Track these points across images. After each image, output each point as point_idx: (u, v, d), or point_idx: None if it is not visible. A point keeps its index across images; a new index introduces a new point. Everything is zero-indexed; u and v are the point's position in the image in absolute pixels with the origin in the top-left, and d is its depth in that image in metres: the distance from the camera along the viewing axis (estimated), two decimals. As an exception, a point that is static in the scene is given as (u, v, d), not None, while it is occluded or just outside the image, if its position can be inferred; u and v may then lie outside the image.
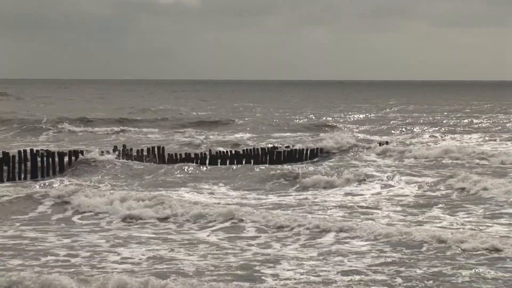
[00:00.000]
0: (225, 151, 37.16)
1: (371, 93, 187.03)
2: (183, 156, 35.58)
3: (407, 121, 72.47)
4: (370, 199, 26.20)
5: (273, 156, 37.51)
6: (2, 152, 32.35)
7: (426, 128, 62.45)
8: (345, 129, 60.54)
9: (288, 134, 55.27)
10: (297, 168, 33.71)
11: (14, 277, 14.99)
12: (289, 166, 34.86)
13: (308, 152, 39.46)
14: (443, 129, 61.78)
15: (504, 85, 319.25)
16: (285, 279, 15.64)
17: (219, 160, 35.55)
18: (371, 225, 20.15)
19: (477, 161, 37.52)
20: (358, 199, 26.25)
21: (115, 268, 16.59)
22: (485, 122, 70.65)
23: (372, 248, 18.12)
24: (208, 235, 20.19)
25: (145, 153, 35.51)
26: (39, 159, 31.94)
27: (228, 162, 35.58)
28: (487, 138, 52.12)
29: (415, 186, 28.11)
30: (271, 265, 16.73)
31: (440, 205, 24.54)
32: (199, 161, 35.22)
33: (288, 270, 16.32)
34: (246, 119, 71.90)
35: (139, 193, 25.19)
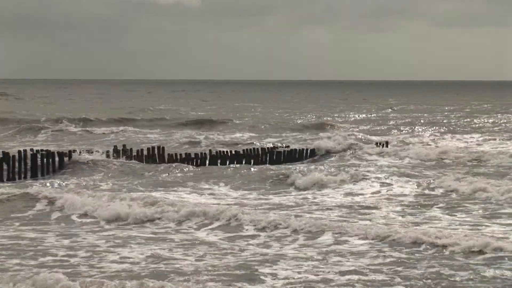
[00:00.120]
0: (225, 151, 37.15)
1: (371, 93, 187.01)
2: (183, 156, 35.58)
3: (407, 121, 72.47)
4: (369, 199, 26.21)
5: (273, 156, 37.51)
6: (2, 152, 32.38)
7: (426, 128, 62.48)
8: (345, 129, 60.53)
9: (288, 134, 55.30)
10: (297, 168, 33.71)
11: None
12: (289, 166, 34.88)
13: (308, 152, 39.47)
14: (443, 129, 61.80)
15: (504, 85, 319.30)
16: (283, 278, 15.66)
17: (219, 161, 35.52)
18: (368, 226, 20.13)
19: (477, 161, 37.51)
20: (357, 199, 26.25)
21: (113, 268, 16.59)
22: (485, 122, 70.65)
23: (370, 248, 18.12)
24: (207, 235, 20.19)
25: (145, 153, 35.51)
26: (35, 158, 32.05)
27: (228, 162, 35.56)
28: (487, 138, 52.11)
29: (414, 186, 28.09)
30: (270, 265, 16.73)
31: (439, 205, 24.54)
32: (199, 161, 35.22)
33: (287, 270, 16.33)
34: (246, 119, 71.93)
35: (131, 194, 25.18)
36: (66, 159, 33.11)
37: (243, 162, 35.93)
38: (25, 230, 21.16)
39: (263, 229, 20.36)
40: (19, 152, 32.05)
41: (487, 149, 41.75)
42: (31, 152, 32.31)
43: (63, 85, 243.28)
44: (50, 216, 23.21)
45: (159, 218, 22.04)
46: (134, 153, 35.21)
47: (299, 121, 68.79)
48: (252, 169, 33.03)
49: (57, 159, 32.97)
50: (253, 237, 19.81)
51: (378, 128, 61.99)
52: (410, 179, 29.39)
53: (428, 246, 17.95)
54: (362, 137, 51.81)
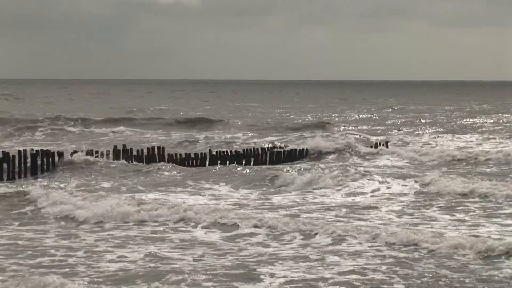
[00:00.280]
0: (225, 151, 37.14)
1: (371, 93, 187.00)
2: (183, 156, 35.58)
3: (407, 121, 72.47)
4: (368, 199, 26.23)
5: (273, 156, 37.51)
6: (2, 152, 32.42)
7: (425, 128, 62.47)
8: (345, 128, 60.55)
9: (288, 134, 55.24)
10: (297, 168, 33.76)
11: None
12: (289, 166, 34.90)
13: (308, 152, 39.48)
14: (443, 128, 61.78)
15: (504, 85, 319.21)
16: (281, 277, 15.67)
17: (219, 161, 35.49)
18: (366, 228, 20.15)
19: (477, 161, 37.49)
20: (356, 199, 26.27)
21: (111, 268, 16.60)
22: (485, 122, 70.63)
23: (368, 248, 18.14)
24: (205, 234, 20.20)
25: (145, 153, 35.50)
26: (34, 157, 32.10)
27: (228, 162, 35.56)
28: (487, 138, 52.10)
29: (413, 186, 28.07)
30: (268, 265, 16.75)
31: (437, 206, 24.54)
32: (199, 161, 35.22)
33: (285, 269, 16.35)
34: (246, 119, 71.93)
35: (124, 194, 25.19)
36: (63, 159, 33.07)
37: (243, 162, 35.93)
38: (23, 230, 21.19)
39: (259, 229, 20.35)
40: (19, 152, 32.08)
41: (487, 149, 41.73)
42: (31, 152, 32.35)
43: (63, 85, 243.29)
44: (45, 216, 23.19)
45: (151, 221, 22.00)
46: (134, 153, 35.21)
47: (299, 121, 68.79)
48: (252, 169, 33.07)
49: (56, 158, 33.02)
50: (250, 237, 19.82)
51: (378, 128, 61.98)
52: (409, 179, 29.38)
53: (424, 246, 17.93)
54: (362, 137, 51.84)
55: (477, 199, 25.45)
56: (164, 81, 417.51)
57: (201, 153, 36.23)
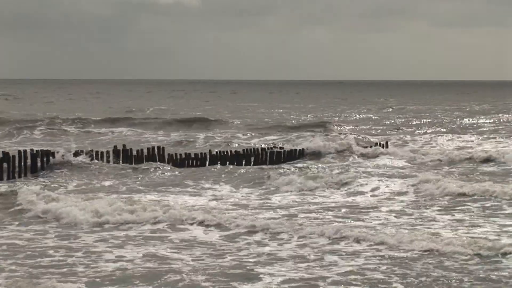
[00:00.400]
0: (225, 151, 37.15)
1: (371, 93, 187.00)
2: (183, 156, 35.58)
3: (406, 120, 72.47)
4: (367, 199, 26.23)
5: (273, 156, 37.53)
6: (2, 151, 32.47)
7: (425, 127, 62.45)
8: (345, 128, 60.55)
9: (288, 133, 55.22)
10: (297, 168, 33.81)
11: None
12: (289, 166, 34.93)
13: (308, 152, 39.49)
14: (443, 128, 61.78)
15: (504, 85, 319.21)
16: (280, 277, 15.69)
17: (219, 161, 35.49)
18: (363, 229, 20.17)
19: (476, 161, 37.47)
20: (355, 199, 26.26)
21: (109, 268, 16.62)
22: (485, 122, 70.63)
23: (367, 248, 18.15)
24: (205, 234, 20.20)
25: (145, 153, 35.50)
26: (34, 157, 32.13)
27: (228, 162, 35.57)
28: (487, 138, 52.09)
29: (412, 186, 28.04)
30: (266, 265, 16.77)
31: (436, 206, 24.55)
32: (199, 161, 35.22)
33: (283, 270, 16.37)
34: (246, 119, 71.90)
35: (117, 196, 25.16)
36: (54, 159, 33.08)
37: (243, 162, 35.94)
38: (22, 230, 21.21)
39: (257, 230, 20.37)
40: (19, 152, 32.12)
41: (487, 149, 41.73)
42: (31, 152, 32.38)
43: (63, 85, 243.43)
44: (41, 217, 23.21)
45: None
46: (134, 153, 35.21)
47: (299, 121, 68.75)
48: (252, 169, 33.08)
49: (52, 158, 33.09)
50: (249, 235, 19.83)
51: (378, 128, 61.95)
52: (409, 179, 29.38)
53: (422, 246, 17.93)
54: (362, 137, 51.86)
55: (476, 199, 25.43)
56: (164, 81, 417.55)
57: (201, 153, 36.23)
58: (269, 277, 15.75)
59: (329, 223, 21.55)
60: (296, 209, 24.02)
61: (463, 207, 24.25)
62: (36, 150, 33.97)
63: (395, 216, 22.80)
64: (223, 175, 31.41)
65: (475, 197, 25.68)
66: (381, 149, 40.22)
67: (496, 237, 19.29)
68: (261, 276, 15.85)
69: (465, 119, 74.20)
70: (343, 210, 23.99)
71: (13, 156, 32.18)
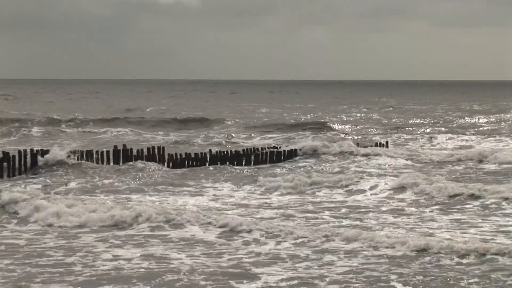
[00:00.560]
0: (225, 151, 37.16)
1: (371, 93, 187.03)
2: (183, 156, 35.61)
3: (406, 120, 72.50)
4: (366, 199, 26.25)
5: (273, 155, 37.56)
6: (2, 151, 32.52)
7: (425, 127, 62.48)
8: (345, 128, 60.58)
9: (287, 133, 55.28)
10: (296, 167, 33.89)
11: None
12: (288, 165, 35.00)
13: (308, 152, 39.51)
14: (443, 128, 61.79)
15: (504, 85, 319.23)
16: (278, 276, 15.73)
17: (219, 162, 35.51)
18: (361, 229, 20.21)
19: (476, 160, 37.45)
20: (354, 198, 26.29)
21: (107, 267, 16.65)
22: (485, 121, 70.64)
23: (365, 247, 18.17)
24: (204, 233, 20.23)
25: (145, 153, 35.52)
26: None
27: (228, 162, 35.59)
28: (487, 138, 52.12)
29: (411, 186, 27.99)
30: (264, 264, 16.81)
31: (435, 206, 24.57)
32: (199, 161, 35.24)
33: (281, 269, 16.41)
34: (246, 119, 71.94)
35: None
36: (55, 159, 33.12)
37: (243, 162, 35.96)
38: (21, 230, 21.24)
39: (254, 230, 20.39)
40: (19, 152, 32.17)
41: (487, 149, 41.73)
42: (31, 152, 32.41)
43: (63, 85, 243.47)
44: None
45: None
46: (134, 153, 35.23)
47: (299, 121, 68.77)
48: (252, 169, 33.10)
49: (50, 158, 33.17)
50: (247, 235, 19.88)
51: (378, 128, 61.96)
52: (408, 179, 29.35)
53: (418, 244, 17.95)
54: (362, 137, 51.92)
55: (475, 199, 25.41)
56: (164, 81, 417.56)
57: (201, 153, 36.25)
58: (267, 277, 15.78)
59: (328, 222, 21.59)
60: (295, 209, 24.05)
61: (461, 207, 24.27)
62: (37, 150, 34.01)
63: (393, 216, 22.82)
64: (222, 175, 31.42)
65: (474, 197, 25.65)
66: (380, 149, 40.22)
67: (494, 237, 19.34)
68: (258, 276, 15.88)
69: (465, 119, 74.21)
70: (342, 209, 24.01)
71: (13, 156, 32.24)
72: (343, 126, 62.82)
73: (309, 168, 34.64)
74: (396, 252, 17.62)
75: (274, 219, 22.27)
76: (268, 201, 26.02)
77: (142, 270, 16.41)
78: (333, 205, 25.01)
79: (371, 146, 41.37)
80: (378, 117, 77.99)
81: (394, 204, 25.03)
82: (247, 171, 32.79)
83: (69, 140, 49.15)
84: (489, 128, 62.41)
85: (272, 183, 28.57)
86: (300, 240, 19.07)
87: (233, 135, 53.96)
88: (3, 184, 29.18)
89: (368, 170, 33.55)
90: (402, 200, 25.90)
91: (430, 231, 20.18)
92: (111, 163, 34.36)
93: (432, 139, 51.30)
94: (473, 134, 55.81)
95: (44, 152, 33.72)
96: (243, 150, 37.62)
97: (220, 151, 37.00)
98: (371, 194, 27.02)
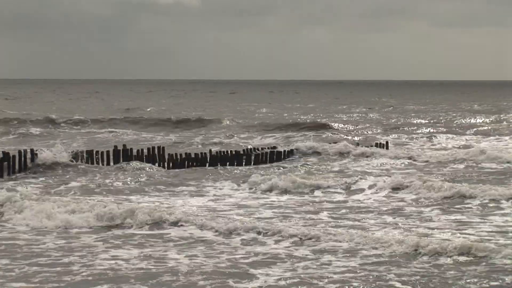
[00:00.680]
0: (225, 151, 37.15)
1: (371, 93, 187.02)
2: (183, 156, 35.60)
3: (406, 120, 72.48)
4: (365, 199, 26.23)
5: (273, 155, 37.58)
6: (2, 152, 32.55)
7: (425, 128, 62.43)
8: (344, 128, 60.57)
9: (287, 133, 55.26)
10: (295, 167, 33.88)
11: None
12: (288, 165, 35.00)
13: (307, 152, 39.52)
14: (442, 129, 61.75)
15: (504, 85, 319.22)
16: (276, 276, 15.72)
17: (219, 162, 35.51)
18: (359, 229, 20.23)
19: (476, 160, 37.40)
20: (353, 199, 26.27)
21: (105, 267, 16.64)
22: (485, 122, 70.62)
23: (363, 247, 18.18)
24: (202, 233, 20.23)
25: (145, 153, 35.52)
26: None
27: (228, 162, 35.59)
28: (487, 138, 52.10)
29: (410, 186, 27.95)
30: (263, 264, 16.82)
31: (434, 206, 24.54)
32: (199, 161, 35.23)
33: (279, 269, 16.42)
34: (246, 119, 71.92)
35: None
36: (37, 159, 33.09)
37: (243, 163, 35.95)
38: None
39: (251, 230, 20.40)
40: (19, 152, 32.20)
41: (487, 149, 41.68)
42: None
43: (63, 85, 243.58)
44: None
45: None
46: (134, 153, 35.23)
47: (298, 121, 68.73)
48: (251, 169, 33.10)
49: (48, 158, 33.21)
50: (245, 234, 19.88)
51: (378, 128, 61.93)
52: (407, 179, 29.35)
53: (418, 246, 17.94)
54: (362, 137, 51.91)
55: (474, 199, 25.34)
56: (164, 81, 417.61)
57: (201, 153, 36.24)
58: (265, 277, 15.78)
59: (327, 222, 21.59)
60: (294, 209, 24.06)
61: (460, 207, 24.25)
62: (36, 150, 34.02)
63: (392, 216, 22.82)
64: (222, 175, 31.42)
65: (473, 196, 25.59)
66: (380, 149, 40.20)
67: (492, 237, 19.34)
68: (257, 275, 15.88)
69: (465, 119, 74.19)
70: (341, 209, 24.01)
71: (13, 156, 32.26)
72: (343, 126, 62.76)
73: (308, 168, 34.61)
74: (395, 252, 17.62)
75: (272, 218, 22.28)
76: (267, 201, 26.02)
77: (140, 270, 16.42)
78: (332, 205, 25.01)
79: (371, 146, 41.33)
80: (378, 117, 77.97)
81: (393, 204, 25.02)
82: (247, 171, 32.77)
83: (68, 140, 49.15)
84: (489, 128, 62.36)
85: (270, 182, 28.52)
86: (298, 240, 19.07)
87: (233, 135, 53.94)
88: (3, 184, 29.18)
89: (367, 170, 33.55)
90: (401, 200, 25.88)
91: (429, 231, 20.19)
92: (111, 163, 34.36)
93: (432, 139, 51.29)
94: (473, 134, 55.82)
95: (43, 152, 33.71)
96: (243, 150, 37.62)
97: (220, 151, 36.98)
98: (370, 194, 27.00)
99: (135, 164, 33.79)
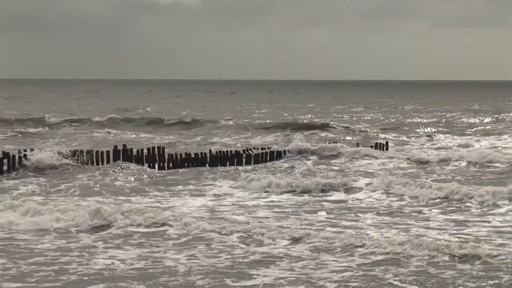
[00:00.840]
0: (225, 151, 37.16)
1: (371, 93, 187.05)
2: (183, 156, 35.61)
3: (406, 121, 72.47)
4: (365, 199, 26.25)
5: (273, 155, 37.62)
6: (2, 152, 32.58)
7: (425, 128, 62.41)
8: (344, 128, 60.55)
9: (287, 133, 55.23)
10: (292, 168, 33.91)
11: None
12: (287, 165, 35.03)
13: (307, 151, 39.55)
14: (442, 128, 61.77)
15: (504, 85, 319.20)
16: (274, 276, 15.75)
17: (219, 162, 35.52)
18: (358, 230, 20.22)
19: (475, 161, 37.35)
20: (353, 199, 26.29)
21: (102, 267, 16.66)
22: (485, 122, 70.62)
23: (362, 247, 18.20)
24: (201, 233, 20.24)
25: (145, 153, 35.53)
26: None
27: (228, 162, 35.61)
28: (487, 138, 52.09)
29: (410, 186, 27.93)
30: (261, 264, 16.84)
31: (433, 207, 24.55)
32: (199, 162, 35.24)
33: (278, 269, 16.44)
34: (246, 119, 71.90)
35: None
36: (28, 159, 33.09)
37: (243, 162, 35.98)
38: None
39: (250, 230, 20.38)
40: (18, 151, 32.21)
41: (487, 149, 41.70)
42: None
43: (63, 85, 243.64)
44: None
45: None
46: (134, 153, 35.24)
47: (298, 121, 68.74)
48: (251, 168, 33.12)
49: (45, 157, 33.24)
50: (243, 234, 19.91)
51: (378, 128, 61.92)
52: (407, 179, 29.36)
53: (416, 246, 17.96)
54: (361, 137, 51.91)
55: (472, 199, 25.31)
56: (164, 81, 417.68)
57: (201, 153, 36.25)
58: (263, 277, 15.79)
59: (324, 222, 21.61)
60: (292, 209, 24.09)
61: (458, 207, 24.27)
62: (36, 150, 34.05)
63: (390, 216, 22.83)
64: (222, 175, 31.43)
65: (472, 196, 25.57)
66: (380, 149, 40.16)
67: (491, 238, 19.37)
68: (255, 275, 15.90)
69: (465, 119, 74.18)
70: (338, 209, 24.03)
71: (13, 156, 32.29)
72: (342, 126, 62.73)
73: (307, 167, 34.63)
74: (393, 252, 17.62)
75: (271, 218, 22.30)
76: (266, 200, 26.04)
77: (137, 270, 16.43)
78: (330, 204, 25.03)
79: (371, 146, 41.32)
80: (378, 117, 77.97)
81: (391, 204, 25.03)
82: (247, 171, 32.78)
83: (68, 140, 49.15)
84: (489, 127, 62.37)
85: (269, 182, 28.53)
86: (296, 239, 19.08)
87: (233, 135, 53.95)
88: (3, 184, 29.21)
89: (366, 170, 33.57)
90: (399, 199, 25.87)
91: (427, 231, 20.21)
92: (111, 163, 34.36)
93: (432, 138, 51.29)
94: (473, 134, 55.81)
95: (42, 152, 33.70)
96: (243, 150, 37.63)
97: (220, 151, 36.99)
98: (368, 194, 27.00)
99: (133, 166, 33.76)
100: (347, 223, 21.52)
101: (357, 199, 26.27)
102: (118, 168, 33.03)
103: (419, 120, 72.55)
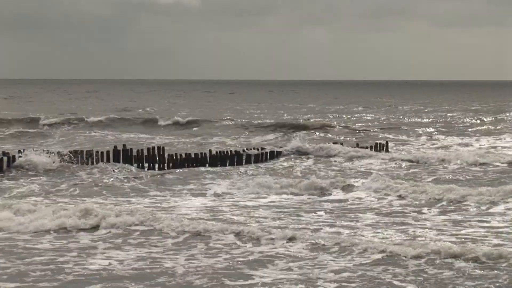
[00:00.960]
0: (225, 151, 37.17)
1: (370, 93, 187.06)
2: (183, 156, 35.63)
3: (406, 121, 72.48)
4: (364, 199, 26.25)
5: (273, 155, 37.65)
6: (2, 152, 32.61)
7: (425, 128, 62.41)
8: (344, 128, 60.55)
9: (287, 133, 55.24)
10: (293, 167, 33.91)
11: None
12: (287, 165, 35.03)
13: (307, 151, 39.57)
14: (442, 128, 61.76)
15: (504, 85, 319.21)
16: (273, 276, 15.75)
17: (219, 162, 35.53)
18: (357, 230, 20.22)
19: (475, 161, 37.36)
20: (352, 198, 26.28)
21: (100, 267, 16.67)
22: (485, 122, 70.61)
23: (360, 247, 18.22)
24: (200, 233, 20.25)
25: (145, 153, 35.54)
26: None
27: (228, 162, 35.63)
28: (487, 138, 52.10)
29: (409, 187, 27.92)
30: (260, 264, 16.85)
31: (433, 207, 24.55)
32: (199, 162, 35.26)
33: (277, 269, 16.46)
34: (245, 119, 71.90)
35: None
36: (17, 160, 33.07)
37: (243, 162, 36.00)
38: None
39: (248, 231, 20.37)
40: (18, 151, 32.22)
41: (487, 149, 41.73)
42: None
43: (63, 85, 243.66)
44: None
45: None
46: (134, 153, 35.25)
47: (298, 121, 68.75)
48: (251, 168, 33.11)
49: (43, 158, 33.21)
50: (242, 234, 19.92)
51: (377, 128, 61.92)
52: (406, 179, 29.40)
53: (414, 247, 17.97)
54: (361, 137, 51.93)
55: (471, 200, 25.29)
56: (164, 81, 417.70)
57: (201, 153, 36.27)
58: (262, 277, 15.80)
59: (322, 222, 21.62)
60: (291, 209, 24.09)
61: (458, 207, 24.26)
62: (35, 149, 34.08)
63: (388, 217, 22.84)
64: (222, 175, 31.44)
65: (470, 197, 25.57)
66: (380, 150, 40.18)
67: (490, 238, 19.38)
68: (253, 275, 15.91)
69: (465, 119, 74.18)
70: (337, 210, 24.03)
71: (13, 156, 32.33)
72: (342, 126, 62.73)
73: (307, 167, 34.64)
74: (391, 252, 17.63)
75: (269, 218, 22.32)
76: (265, 200, 26.05)
77: (135, 269, 16.44)
78: (328, 204, 25.04)
79: (371, 146, 41.34)
80: (377, 117, 77.96)
81: (390, 204, 25.03)
82: (246, 171, 32.82)
83: (67, 139, 49.18)
84: (489, 127, 62.38)
85: (268, 182, 28.53)
86: (294, 240, 19.08)
87: (233, 135, 53.97)
88: (3, 184, 29.23)
89: (366, 170, 33.57)
90: (398, 200, 25.88)
91: (425, 231, 20.23)
92: (111, 163, 34.38)
93: (432, 139, 51.30)
94: (473, 134, 55.81)
95: (42, 152, 33.74)
96: (243, 150, 37.65)
97: (220, 151, 37.00)
98: (367, 194, 27.00)
99: (139, 165, 33.76)
100: (346, 223, 21.55)
101: (356, 199, 26.30)
102: (118, 168, 33.05)
103: (419, 120, 72.55)
